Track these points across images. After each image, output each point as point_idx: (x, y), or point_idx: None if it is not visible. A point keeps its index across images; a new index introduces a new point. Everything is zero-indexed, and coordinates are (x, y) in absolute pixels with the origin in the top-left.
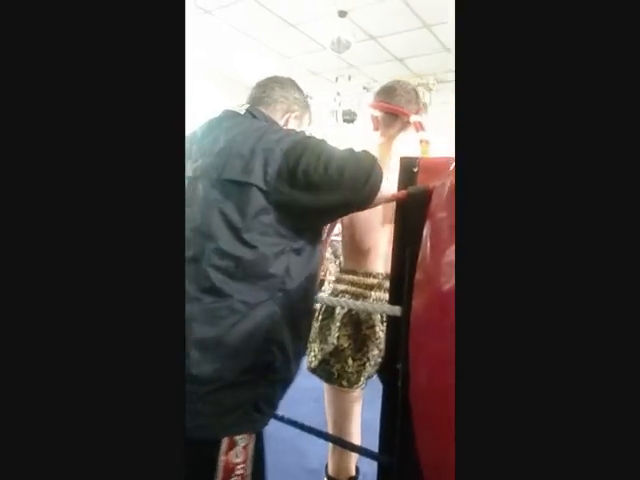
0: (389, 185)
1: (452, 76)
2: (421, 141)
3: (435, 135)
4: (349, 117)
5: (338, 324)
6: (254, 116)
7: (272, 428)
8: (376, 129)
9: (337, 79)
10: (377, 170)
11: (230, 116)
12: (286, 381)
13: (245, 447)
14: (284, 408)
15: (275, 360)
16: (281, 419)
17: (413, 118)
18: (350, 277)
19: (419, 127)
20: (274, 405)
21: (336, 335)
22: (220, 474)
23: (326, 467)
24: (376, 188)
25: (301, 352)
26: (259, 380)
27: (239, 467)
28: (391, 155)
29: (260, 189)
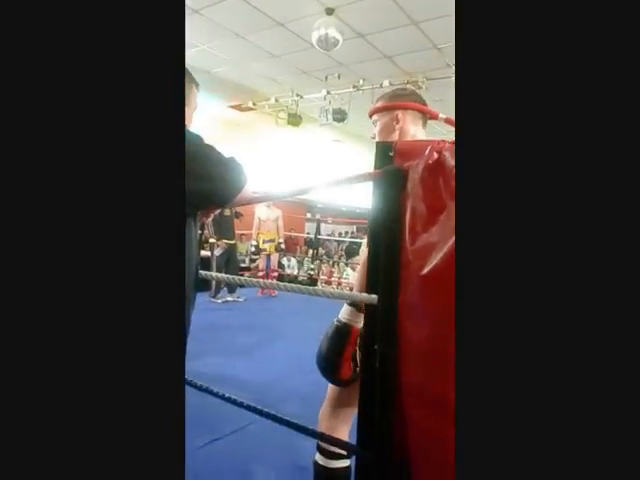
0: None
1: (441, 73)
2: None
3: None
4: (339, 115)
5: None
6: None
7: (261, 426)
8: (397, 123)
9: (327, 78)
10: (244, 173)
11: None
12: None
13: None
14: (272, 406)
15: None
16: (269, 416)
17: (442, 115)
18: None
19: (452, 122)
20: None
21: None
22: None
23: (315, 463)
24: (240, 187)
25: (187, 317)
26: None
27: None
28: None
29: None
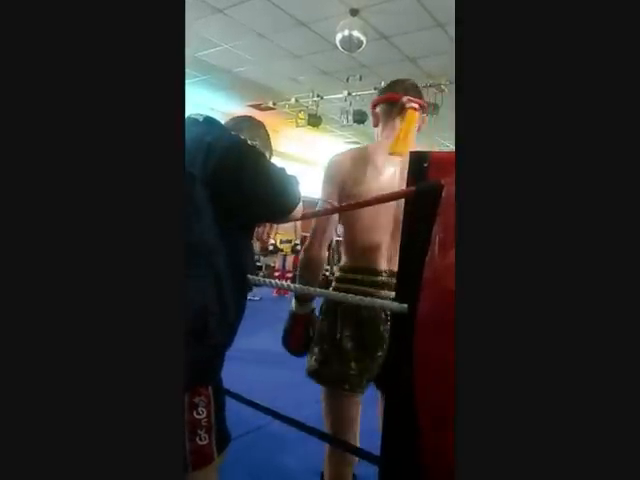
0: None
1: None
2: (408, 108)
3: (449, 137)
4: (360, 117)
5: (340, 324)
6: (211, 123)
7: (275, 429)
8: (376, 124)
9: (348, 79)
10: (298, 191)
11: (190, 123)
12: (221, 345)
13: (207, 405)
14: (287, 409)
15: (207, 326)
16: (284, 419)
17: (404, 98)
18: (352, 275)
19: (409, 101)
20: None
21: (338, 336)
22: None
23: (321, 475)
24: (294, 205)
25: (234, 322)
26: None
27: (203, 421)
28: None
29: (201, 180)
